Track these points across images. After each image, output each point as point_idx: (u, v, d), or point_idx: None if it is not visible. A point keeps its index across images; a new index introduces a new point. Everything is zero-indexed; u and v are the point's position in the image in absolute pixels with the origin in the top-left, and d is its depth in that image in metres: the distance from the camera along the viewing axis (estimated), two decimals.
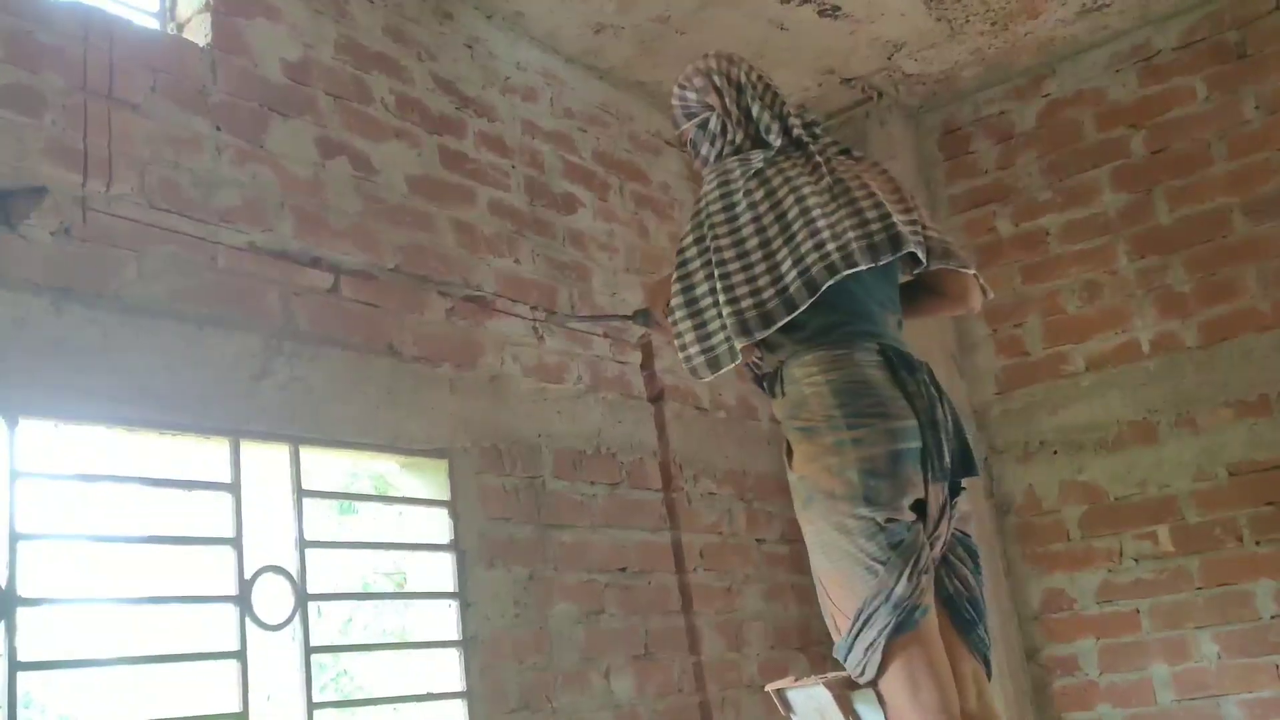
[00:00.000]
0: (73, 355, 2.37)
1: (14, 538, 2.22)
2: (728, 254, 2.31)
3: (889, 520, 2.14)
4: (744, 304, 2.26)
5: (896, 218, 2.29)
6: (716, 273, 2.30)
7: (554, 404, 3.50)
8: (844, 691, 2.48)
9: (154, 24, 2.89)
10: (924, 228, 2.37)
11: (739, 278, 2.28)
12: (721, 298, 2.28)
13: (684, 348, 2.34)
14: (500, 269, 3.48)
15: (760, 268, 2.28)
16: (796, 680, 2.61)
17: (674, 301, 2.37)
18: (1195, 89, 4.22)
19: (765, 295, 2.25)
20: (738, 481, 4.15)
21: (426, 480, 3.15)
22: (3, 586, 2.17)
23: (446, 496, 3.11)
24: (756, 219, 2.33)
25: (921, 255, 2.35)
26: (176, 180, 2.68)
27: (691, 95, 2.52)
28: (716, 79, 2.49)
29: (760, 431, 4.34)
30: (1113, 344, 4.26)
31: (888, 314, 2.39)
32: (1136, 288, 4.24)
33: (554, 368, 3.56)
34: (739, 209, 2.36)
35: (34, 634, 2.22)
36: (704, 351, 2.31)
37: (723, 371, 2.31)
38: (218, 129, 2.80)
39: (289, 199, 2.92)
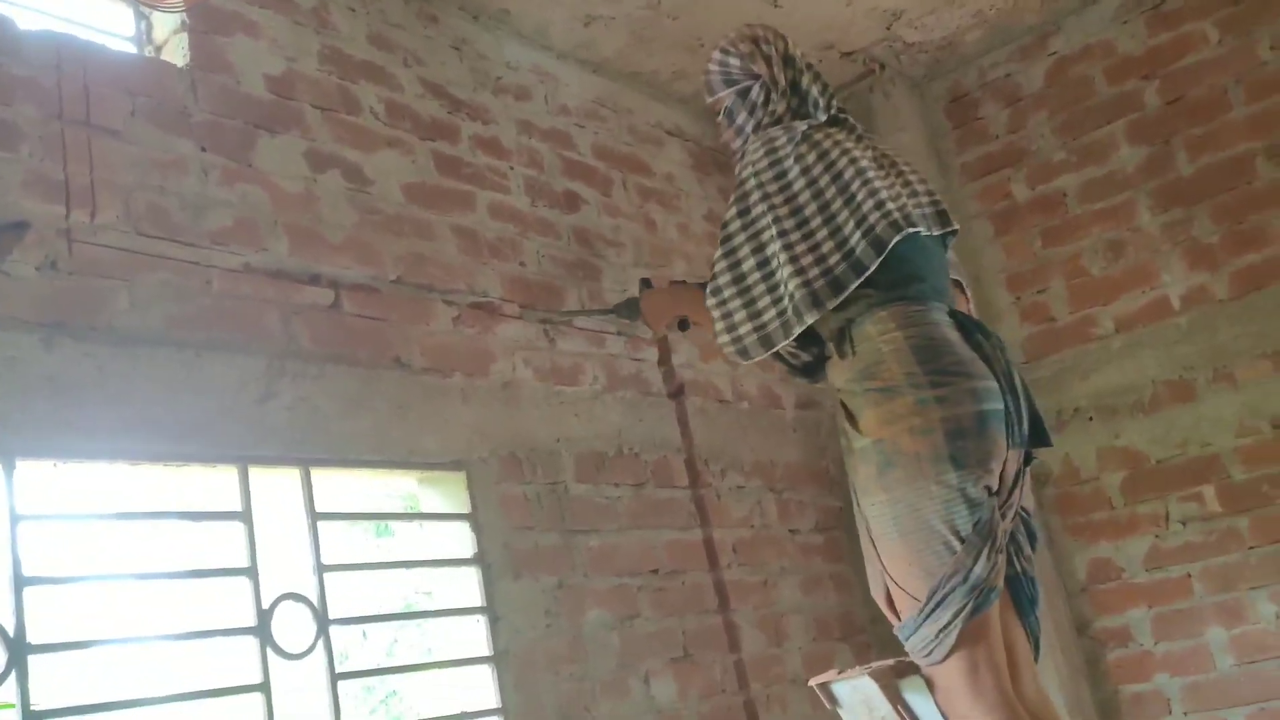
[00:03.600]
0: (68, 391, 2.30)
1: (19, 583, 2.14)
2: (787, 223, 2.22)
3: (974, 487, 2.04)
4: (811, 274, 2.17)
5: (939, 196, 2.32)
6: (778, 243, 2.22)
7: (570, 407, 3.42)
8: (891, 681, 2.39)
9: (130, 47, 2.82)
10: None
11: (801, 247, 2.20)
12: (786, 270, 2.19)
13: (732, 329, 2.27)
14: (505, 273, 3.40)
15: (822, 233, 2.20)
16: (840, 673, 2.52)
17: (720, 281, 2.30)
18: (1207, 34, 4.09)
19: (831, 261, 2.16)
20: (766, 472, 4.05)
21: (446, 494, 3.07)
22: (11, 635, 2.10)
23: (467, 509, 3.03)
24: (812, 182, 2.25)
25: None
26: (163, 205, 2.60)
27: (735, 61, 2.44)
28: (765, 47, 2.42)
29: (785, 420, 4.24)
30: (1141, 303, 4.13)
31: (949, 286, 2.34)
32: (1162, 243, 4.11)
33: (568, 370, 3.47)
34: (791, 174, 2.27)
35: (47, 680, 2.15)
36: (756, 329, 2.23)
37: (776, 349, 2.24)
38: (203, 150, 2.73)
39: (282, 216, 2.85)
